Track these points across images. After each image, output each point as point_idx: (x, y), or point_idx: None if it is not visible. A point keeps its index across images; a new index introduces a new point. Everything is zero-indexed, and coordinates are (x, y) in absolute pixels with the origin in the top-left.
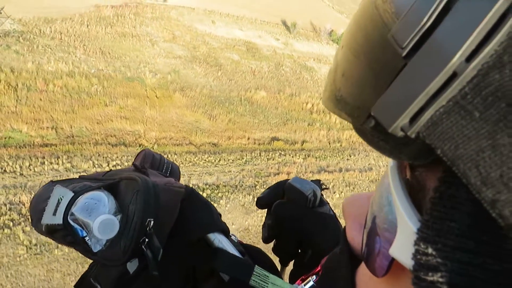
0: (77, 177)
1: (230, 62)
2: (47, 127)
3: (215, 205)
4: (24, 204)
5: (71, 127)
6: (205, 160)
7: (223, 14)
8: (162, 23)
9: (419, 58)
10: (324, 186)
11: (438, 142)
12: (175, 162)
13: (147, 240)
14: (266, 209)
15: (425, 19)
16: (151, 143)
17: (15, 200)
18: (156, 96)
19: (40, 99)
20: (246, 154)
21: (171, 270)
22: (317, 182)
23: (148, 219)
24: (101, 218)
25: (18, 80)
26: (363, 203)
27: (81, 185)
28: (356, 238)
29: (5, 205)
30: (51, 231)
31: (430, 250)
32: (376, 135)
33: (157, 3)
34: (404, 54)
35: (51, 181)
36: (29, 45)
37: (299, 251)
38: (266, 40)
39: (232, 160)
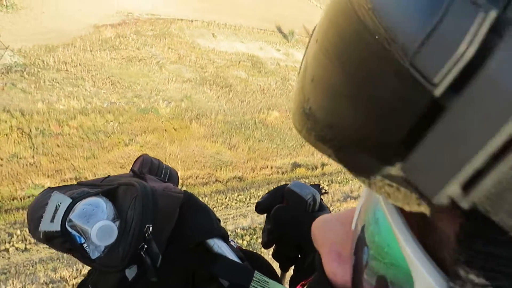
0: (75, 183)
1: (238, 81)
2: (70, 178)
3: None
4: (67, 281)
5: (94, 175)
6: (235, 199)
7: (221, 25)
8: (164, 41)
9: (468, 101)
10: (324, 191)
11: (507, 218)
12: (206, 204)
13: (145, 246)
14: (265, 214)
15: (465, 45)
16: (179, 185)
17: (56, 277)
18: (173, 128)
19: (58, 145)
20: (272, 187)
21: (170, 276)
22: (316, 186)
23: (147, 225)
24: (99, 225)
25: (30, 125)
26: (337, 228)
27: (79, 191)
28: (338, 271)
29: (46, 284)
30: (49, 238)
31: None
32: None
33: (154, 17)
34: (439, 93)
35: (49, 187)
36: (35, 81)
37: (299, 256)
38: (268, 52)
39: (261, 196)
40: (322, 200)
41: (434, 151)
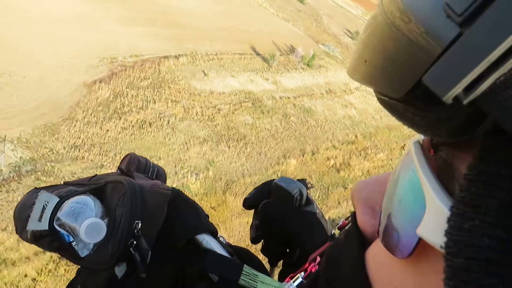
0: (62, 183)
1: (248, 129)
2: None
3: None
4: None
5: None
6: None
7: (204, 57)
8: (163, 93)
9: (480, 25)
10: (310, 185)
11: (496, 111)
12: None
13: (135, 242)
14: (253, 210)
15: None
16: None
17: None
18: (211, 207)
19: None
20: None
21: (159, 273)
22: (303, 181)
23: (136, 221)
24: (88, 222)
25: None
26: (372, 187)
27: (66, 190)
28: (368, 221)
29: None
30: (37, 238)
31: (467, 226)
32: (411, 110)
33: (139, 59)
34: (460, 21)
35: (35, 188)
36: (53, 182)
37: (287, 251)
38: (259, 84)
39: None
40: (309, 194)
41: (448, 63)
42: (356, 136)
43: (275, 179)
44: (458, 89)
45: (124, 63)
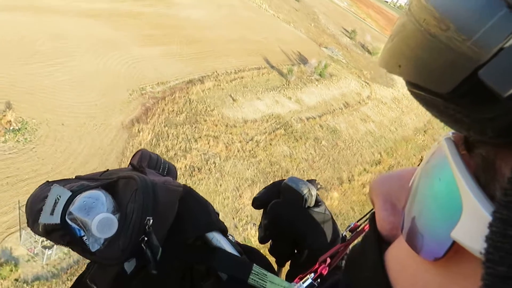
0: (73, 177)
1: (288, 161)
2: None
3: None
4: None
5: None
6: None
7: (226, 76)
8: (201, 129)
9: None
10: (320, 186)
11: None
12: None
13: (146, 239)
14: (262, 209)
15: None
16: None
17: None
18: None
19: None
20: None
21: (168, 269)
22: (313, 181)
23: (147, 218)
24: (99, 217)
25: None
26: (393, 182)
27: (79, 185)
28: (387, 218)
29: None
30: (49, 231)
31: (511, 233)
32: (454, 107)
33: (166, 87)
34: None
35: (47, 181)
36: None
37: (295, 251)
38: (284, 105)
39: None
40: (318, 195)
41: (506, 59)
42: (380, 155)
43: (284, 179)
44: None
45: (153, 94)
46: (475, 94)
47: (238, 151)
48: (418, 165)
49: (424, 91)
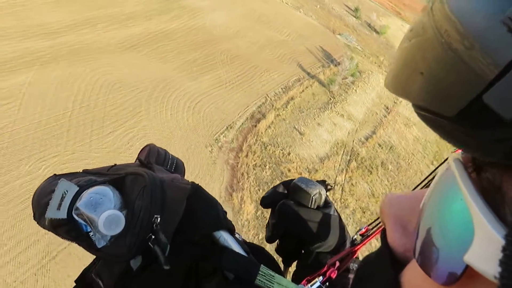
0: (81, 171)
1: (373, 201)
2: None
3: None
4: None
5: None
6: None
7: (277, 100)
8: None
9: None
10: (329, 187)
11: None
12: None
13: (153, 237)
14: (270, 209)
15: None
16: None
17: None
18: None
19: None
20: None
21: (174, 267)
22: (322, 182)
23: (155, 216)
24: (106, 214)
25: None
26: (403, 203)
27: (86, 180)
28: (398, 240)
29: None
30: (55, 226)
31: None
32: (461, 129)
33: (236, 132)
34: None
35: (54, 174)
36: None
37: (302, 252)
38: (341, 126)
39: None
40: (328, 196)
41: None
42: (433, 164)
43: (294, 179)
44: None
45: (229, 144)
46: (483, 115)
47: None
48: (426, 183)
49: (430, 113)
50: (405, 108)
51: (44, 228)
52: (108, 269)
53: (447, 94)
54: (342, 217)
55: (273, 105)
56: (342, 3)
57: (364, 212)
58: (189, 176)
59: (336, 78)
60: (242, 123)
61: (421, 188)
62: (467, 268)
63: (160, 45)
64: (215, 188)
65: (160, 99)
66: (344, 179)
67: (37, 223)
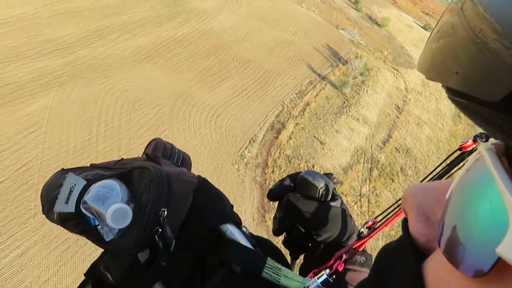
0: (88, 165)
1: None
2: None
3: None
4: None
5: None
6: None
7: (294, 107)
8: None
9: None
10: (336, 180)
11: None
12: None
13: (160, 230)
14: (277, 202)
15: None
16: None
17: None
18: None
19: None
20: None
21: (180, 260)
22: (329, 175)
23: (162, 209)
24: (114, 207)
25: None
26: (427, 194)
27: (94, 174)
28: (421, 230)
29: None
30: (63, 220)
31: None
32: (501, 115)
33: (260, 146)
34: None
35: (62, 169)
36: None
37: (309, 244)
38: (358, 131)
39: None
40: (335, 189)
41: None
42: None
43: (301, 172)
44: None
45: (254, 160)
46: None
47: (359, 215)
48: (444, 173)
49: (469, 99)
50: (415, 106)
51: (52, 221)
52: (116, 263)
53: (490, 83)
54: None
55: (290, 113)
56: None
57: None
58: None
59: (347, 80)
60: (264, 135)
61: (431, 179)
62: (499, 260)
63: (174, 54)
64: (247, 210)
65: (182, 115)
66: (369, 190)
67: (46, 217)
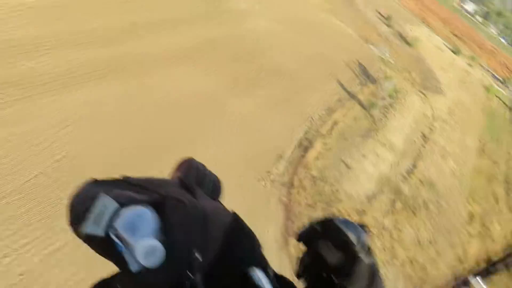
0: (121, 177)
1: (419, 249)
2: None
3: None
4: None
5: None
6: None
7: (322, 124)
8: None
9: None
10: (368, 231)
11: None
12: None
13: (190, 275)
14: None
15: None
16: None
17: None
18: None
19: None
20: None
21: None
22: (364, 226)
23: (196, 254)
24: (146, 244)
25: None
26: None
27: (126, 197)
28: None
29: None
30: (90, 239)
31: None
32: None
33: (285, 162)
34: None
35: (95, 179)
36: None
37: None
38: (384, 159)
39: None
40: (369, 243)
41: None
42: (469, 202)
43: (333, 218)
44: None
45: (280, 178)
46: None
47: (381, 250)
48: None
49: None
50: (440, 135)
51: (78, 236)
52: None
53: None
54: (392, 270)
55: (318, 131)
56: (375, 9)
57: (412, 264)
58: (244, 215)
59: (376, 101)
60: (292, 152)
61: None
62: None
63: (208, 56)
64: (270, 232)
65: (211, 122)
66: (390, 224)
67: (73, 230)
